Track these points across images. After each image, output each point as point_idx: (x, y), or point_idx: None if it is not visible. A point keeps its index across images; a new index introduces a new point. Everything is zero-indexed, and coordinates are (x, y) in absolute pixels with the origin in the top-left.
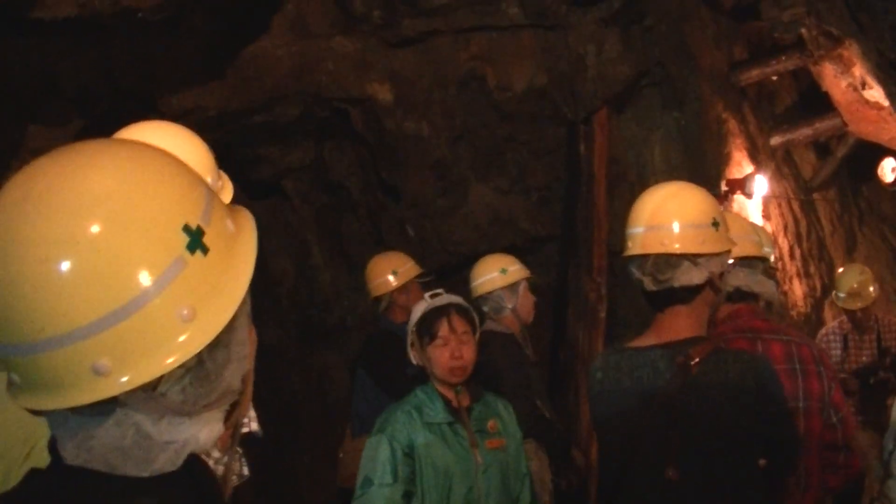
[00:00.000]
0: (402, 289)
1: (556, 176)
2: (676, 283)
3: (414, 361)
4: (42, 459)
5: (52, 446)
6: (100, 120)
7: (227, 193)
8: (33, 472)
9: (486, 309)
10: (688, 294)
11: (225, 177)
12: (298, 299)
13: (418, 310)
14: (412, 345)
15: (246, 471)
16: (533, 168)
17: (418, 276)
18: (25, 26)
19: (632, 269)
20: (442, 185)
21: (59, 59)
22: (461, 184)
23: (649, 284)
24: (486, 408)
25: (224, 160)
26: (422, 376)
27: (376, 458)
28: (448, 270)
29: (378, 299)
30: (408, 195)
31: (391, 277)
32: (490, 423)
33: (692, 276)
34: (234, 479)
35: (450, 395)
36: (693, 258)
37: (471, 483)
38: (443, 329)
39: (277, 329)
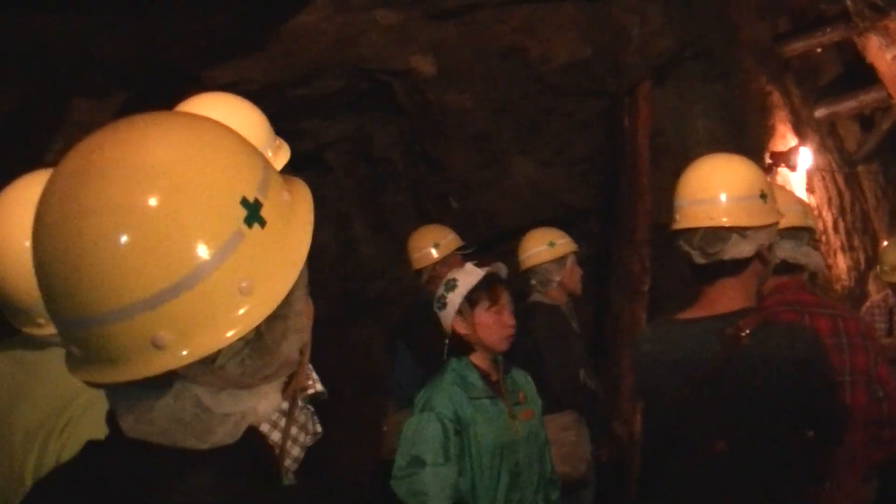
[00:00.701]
0: (443, 261)
1: (598, 148)
2: (725, 257)
3: (458, 331)
4: (79, 431)
5: (111, 418)
6: (142, 93)
7: (285, 154)
8: (91, 444)
9: (533, 282)
10: (737, 267)
11: (281, 140)
12: (340, 271)
13: (474, 275)
14: (459, 312)
15: (319, 428)
16: (575, 140)
17: (459, 249)
18: (67, 1)
19: (679, 242)
20: (484, 157)
21: (100, 32)
22: (503, 156)
23: (698, 258)
24: (513, 380)
25: None
26: (459, 348)
27: (425, 436)
28: (490, 242)
29: (419, 272)
30: (450, 167)
31: (433, 250)
32: (520, 395)
33: (741, 249)
34: (309, 439)
35: (485, 367)
36: (741, 231)
37: (515, 457)
38: (503, 296)
39: (319, 301)
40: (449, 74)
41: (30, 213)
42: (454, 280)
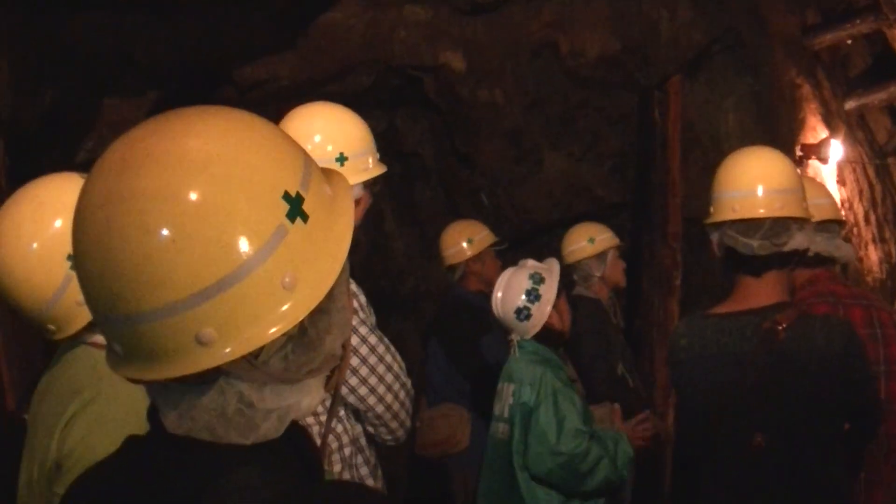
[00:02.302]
0: (476, 257)
1: (629, 142)
2: (787, 248)
3: (551, 321)
4: (76, 428)
5: (152, 414)
6: (174, 93)
7: (380, 168)
8: (132, 440)
9: (575, 277)
10: (788, 259)
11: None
12: (371, 268)
13: (554, 265)
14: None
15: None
16: (606, 135)
17: (493, 245)
18: (101, 1)
19: (729, 233)
20: (515, 152)
21: (133, 33)
22: (534, 151)
23: (759, 249)
24: None
25: None
26: (546, 341)
27: (572, 408)
28: (522, 238)
29: (452, 268)
30: (481, 163)
31: (466, 246)
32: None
33: (800, 241)
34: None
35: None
36: (800, 223)
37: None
38: None
39: None
40: (479, 70)
41: (32, 219)
42: (538, 274)
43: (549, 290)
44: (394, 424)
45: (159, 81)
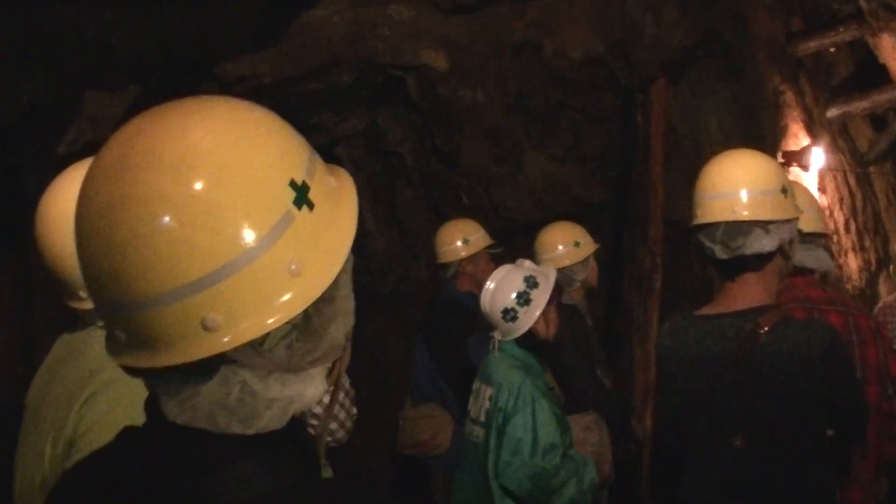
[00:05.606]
0: (471, 258)
1: (611, 144)
2: (748, 251)
3: (537, 328)
4: (97, 406)
5: (150, 404)
6: (156, 87)
7: None
8: (129, 430)
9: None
10: (759, 261)
11: None
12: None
13: (551, 273)
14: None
15: (355, 410)
16: (588, 135)
17: (489, 247)
18: None
19: (699, 237)
20: (496, 152)
21: (115, 27)
22: (516, 151)
23: (720, 253)
24: None
25: None
26: (526, 345)
27: (546, 421)
28: (502, 238)
29: (444, 266)
30: (462, 162)
31: (461, 245)
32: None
33: (764, 244)
34: (349, 423)
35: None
36: (764, 225)
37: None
38: None
39: None
40: (461, 69)
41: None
42: (533, 277)
43: (541, 297)
44: (333, 425)
45: (140, 75)
